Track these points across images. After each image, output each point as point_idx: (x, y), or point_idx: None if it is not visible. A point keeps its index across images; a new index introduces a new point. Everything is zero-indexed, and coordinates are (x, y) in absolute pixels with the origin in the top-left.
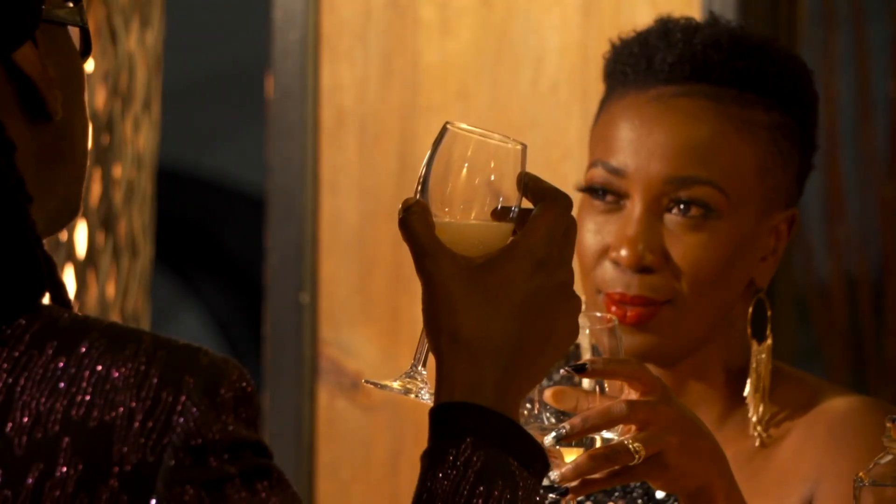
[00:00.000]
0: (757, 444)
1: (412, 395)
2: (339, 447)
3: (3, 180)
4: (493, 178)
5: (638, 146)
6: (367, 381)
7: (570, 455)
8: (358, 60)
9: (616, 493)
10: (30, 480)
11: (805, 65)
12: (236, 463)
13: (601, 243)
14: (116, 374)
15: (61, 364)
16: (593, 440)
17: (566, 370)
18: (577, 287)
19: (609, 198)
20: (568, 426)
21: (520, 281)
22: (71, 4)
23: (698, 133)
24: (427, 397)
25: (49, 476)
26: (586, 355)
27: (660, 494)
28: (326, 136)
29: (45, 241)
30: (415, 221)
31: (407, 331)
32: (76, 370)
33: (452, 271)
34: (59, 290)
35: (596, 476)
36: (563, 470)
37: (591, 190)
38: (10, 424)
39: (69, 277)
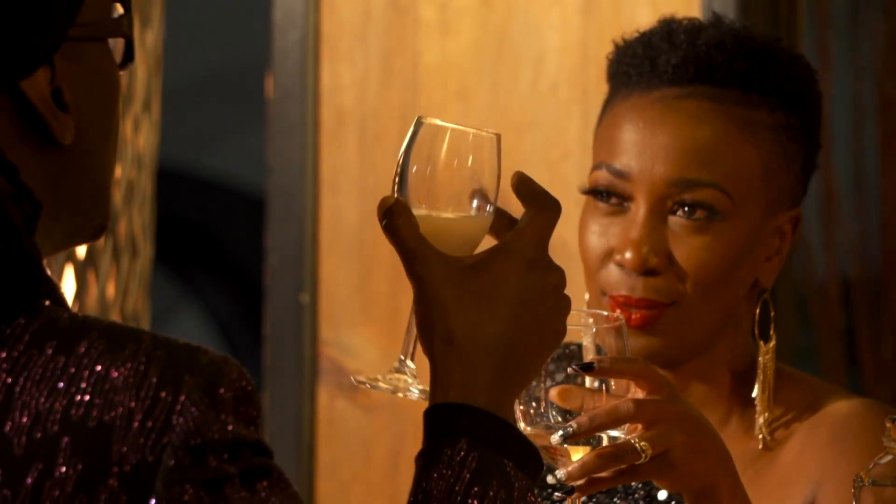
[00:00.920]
0: (760, 446)
1: (400, 394)
2: (339, 447)
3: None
4: (469, 169)
5: (642, 148)
6: (355, 380)
7: (577, 454)
8: (358, 60)
9: (618, 495)
10: (29, 480)
11: (808, 64)
12: (236, 462)
13: (605, 245)
14: (116, 374)
15: (61, 364)
16: (600, 439)
17: (573, 369)
18: (580, 288)
19: (613, 200)
20: (575, 425)
21: (511, 282)
22: (116, 13)
23: (702, 135)
24: (417, 394)
25: (48, 476)
26: (590, 354)
27: (662, 496)
28: (326, 136)
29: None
30: (401, 226)
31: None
32: (75, 370)
33: (443, 274)
34: (53, 289)
35: (602, 475)
36: (570, 468)
37: (595, 192)
38: (9, 424)
39: (69, 277)
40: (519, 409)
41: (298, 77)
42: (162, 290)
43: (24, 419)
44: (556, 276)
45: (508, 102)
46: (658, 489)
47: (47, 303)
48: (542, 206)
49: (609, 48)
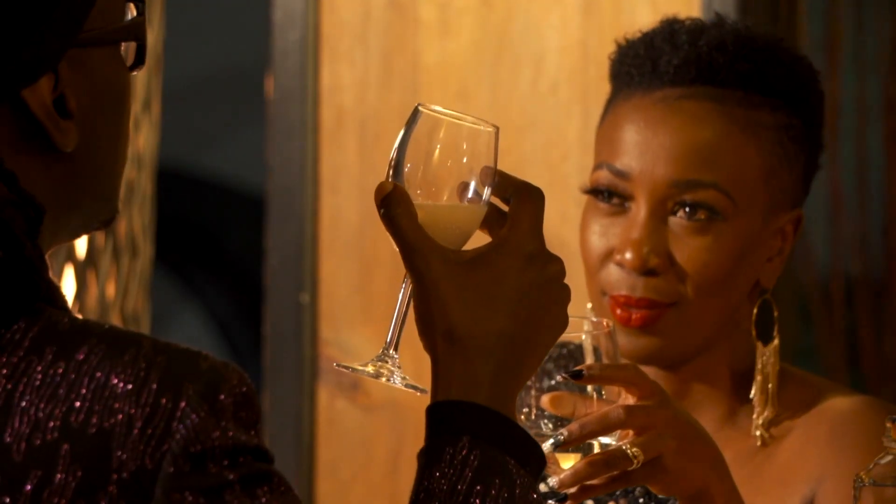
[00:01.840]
0: (758, 443)
1: (384, 380)
2: (339, 447)
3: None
4: (465, 160)
5: (643, 149)
6: (338, 365)
7: (568, 461)
8: (358, 60)
9: (617, 493)
10: (28, 487)
11: (811, 65)
12: (236, 469)
13: (606, 245)
14: (116, 381)
15: (60, 370)
16: (591, 445)
17: (563, 376)
18: (581, 289)
19: (614, 200)
20: (566, 432)
21: (512, 276)
22: (132, 14)
23: (703, 136)
24: (398, 381)
25: (48, 483)
26: (588, 358)
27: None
28: (326, 136)
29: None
30: (399, 216)
31: (407, 331)
32: (75, 376)
33: (443, 268)
34: (54, 293)
35: (595, 481)
36: (562, 476)
37: (596, 192)
38: (8, 431)
39: (69, 278)
40: None
41: (298, 77)
42: (162, 290)
43: (24, 426)
44: (556, 267)
45: (508, 102)
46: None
47: (47, 306)
48: (527, 197)
49: (609, 48)
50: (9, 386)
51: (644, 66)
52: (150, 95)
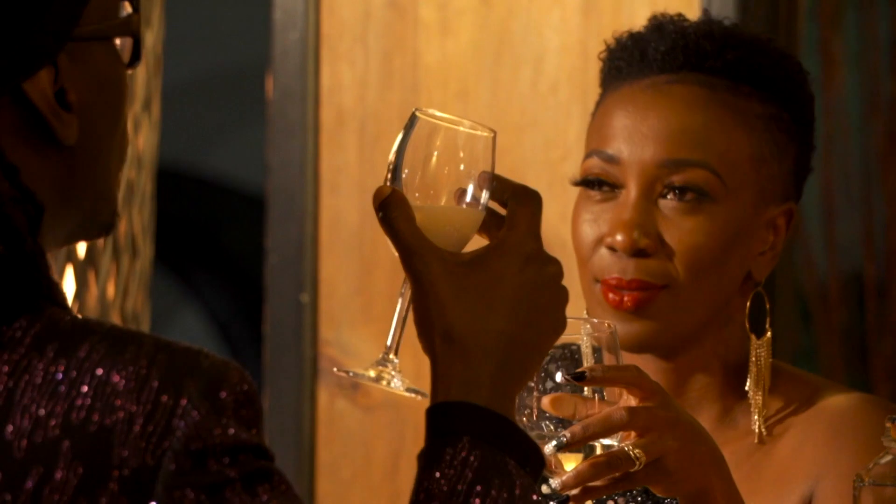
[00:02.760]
0: (756, 440)
1: (384, 384)
2: (339, 447)
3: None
4: (462, 166)
5: (632, 132)
6: (338, 370)
7: (570, 463)
8: (358, 60)
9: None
10: (29, 484)
11: (800, 64)
12: (237, 466)
13: (597, 232)
14: (117, 378)
15: (62, 367)
16: (593, 447)
17: (565, 378)
18: (574, 279)
19: (605, 188)
20: (568, 434)
21: (510, 277)
22: (124, 12)
23: (692, 118)
24: (399, 385)
25: (49, 480)
26: (587, 360)
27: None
28: (326, 136)
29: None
30: (397, 218)
31: (407, 331)
32: (76, 374)
33: (441, 270)
34: (54, 291)
35: (597, 483)
36: (564, 478)
37: (587, 182)
38: (10, 428)
39: (69, 277)
40: None
41: (298, 77)
42: (162, 290)
43: (25, 423)
44: (554, 268)
45: (508, 102)
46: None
47: (48, 304)
48: (525, 199)
49: None
50: (10, 383)
51: (632, 56)
52: (150, 95)
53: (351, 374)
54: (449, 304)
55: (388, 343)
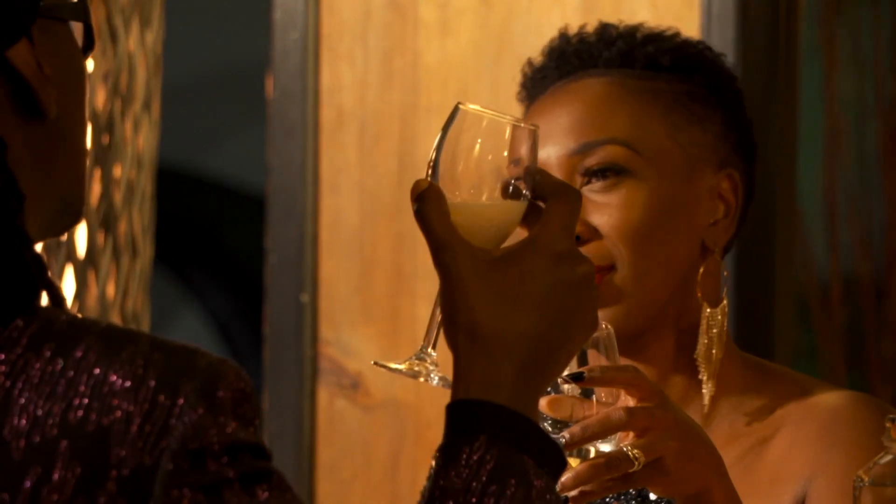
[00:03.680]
0: (706, 410)
1: (421, 379)
2: (339, 447)
3: None
4: (505, 158)
5: (546, 135)
6: (376, 363)
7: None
8: (358, 60)
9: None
10: (27, 484)
11: (706, 45)
12: (235, 466)
13: None
14: (114, 378)
15: (59, 367)
16: (590, 447)
17: (563, 379)
18: None
19: None
20: (568, 435)
21: (539, 275)
22: (74, 0)
23: (593, 102)
24: (437, 380)
25: (47, 480)
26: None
27: (654, 495)
28: (326, 136)
29: (43, 242)
30: (430, 212)
31: (407, 331)
32: (74, 373)
33: (470, 266)
34: (52, 290)
35: (596, 484)
36: (563, 479)
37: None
38: (7, 428)
39: (69, 277)
40: None
41: (298, 77)
42: (162, 290)
43: (23, 423)
44: (585, 268)
45: (508, 102)
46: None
47: (45, 305)
48: (563, 196)
49: None
50: (7, 383)
51: (534, 79)
52: (150, 95)
53: (387, 367)
54: (475, 300)
55: (426, 337)
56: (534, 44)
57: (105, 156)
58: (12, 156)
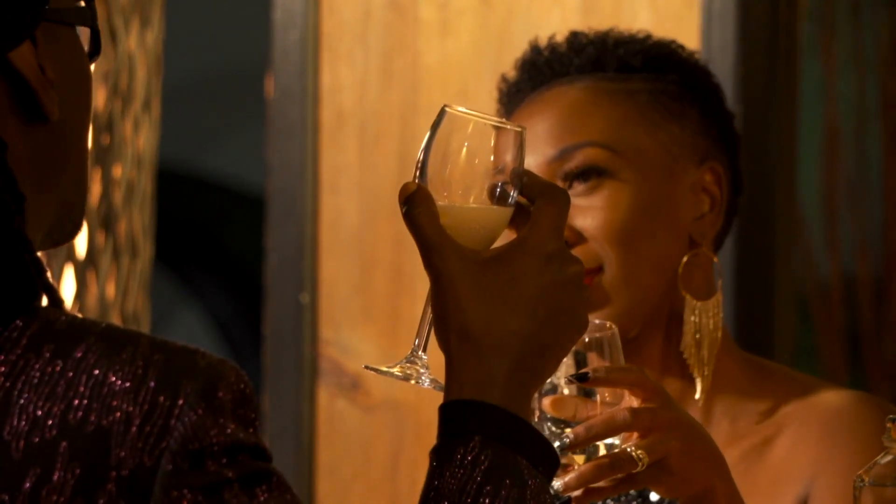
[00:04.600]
0: (700, 402)
1: (412, 381)
2: (339, 447)
3: None
4: (491, 160)
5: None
6: (367, 367)
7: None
8: (358, 60)
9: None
10: (27, 485)
11: (678, 43)
12: (234, 467)
13: None
14: (113, 379)
15: (58, 368)
16: (596, 448)
17: (568, 379)
18: None
19: None
20: (572, 435)
21: (530, 276)
22: (82, 3)
23: (568, 108)
24: (427, 383)
25: (46, 481)
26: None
27: (654, 496)
28: (326, 136)
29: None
30: (420, 215)
31: (407, 331)
32: (73, 374)
33: (461, 267)
34: (50, 292)
35: (600, 484)
36: (567, 479)
37: None
38: (7, 429)
39: (69, 278)
40: None
41: (298, 77)
42: (162, 290)
43: (23, 424)
44: (575, 269)
45: None
46: (650, 490)
47: (44, 305)
48: (551, 197)
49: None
50: (7, 384)
51: (509, 93)
52: (150, 95)
53: (378, 371)
54: (466, 301)
55: (417, 340)
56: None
57: (105, 156)
58: (13, 157)
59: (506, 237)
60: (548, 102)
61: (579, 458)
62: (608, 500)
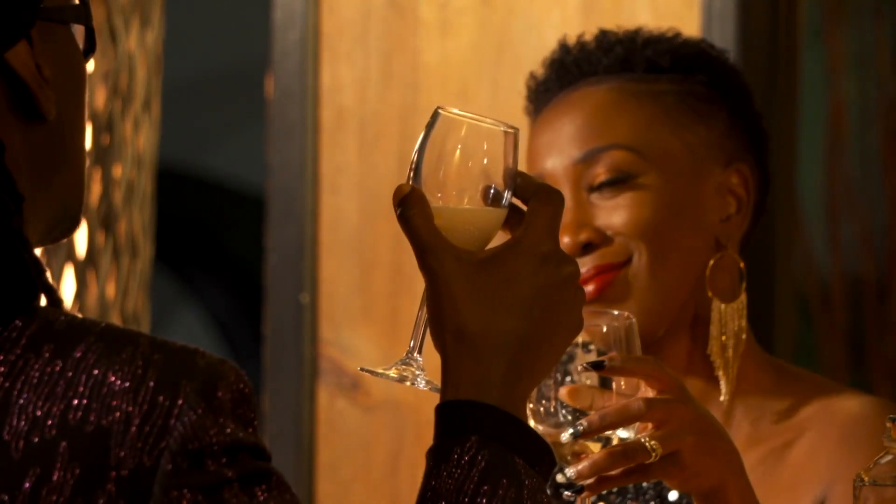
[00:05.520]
0: (724, 403)
1: (408, 383)
2: (339, 447)
3: None
4: (485, 162)
5: (551, 145)
6: (362, 369)
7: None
8: (358, 60)
9: (629, 495)
10: (27, 485)
11: (708, 42)
12: (234, 466)
13: None
14: (113, 378)
15: (58, 368)
16: (610, 438)
17: (584, 367)
18: None
19: None
20: (585, 423)
21: (525, 276)
22: (77, 1)
23: (594, 110)
24: (423, 384)
25: (46, 481)
26: (591, 355)
27: (672, 496)
28: (326, 136)
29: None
30: (414, 216)
31: (407, 331)
32: (73, 374)
33: (456, 268)
34: (49, 293)
35: (612, 473)
36: (580, 467)
37: None
38: (6, 429)
39: (69, 277)
40: (529, 407)
41: (298, 77)
42: (162, 290)
43: (22, 424)
44: (570, 269)
45: (508, 102)
46: (669, 489)
47: (44, 305)
48: (545, 198)
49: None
50: (6, 384)
51: (537, 91)
52: (150, 95)
53: (374, 373)
54: (462, 302)
55: (412, 341)
56: (534, 44)
57: (105, 156)
58: (10, 157)
59: (500, 238)
60: (574, 104)
61: (595, 447)
62: (628, 501)
